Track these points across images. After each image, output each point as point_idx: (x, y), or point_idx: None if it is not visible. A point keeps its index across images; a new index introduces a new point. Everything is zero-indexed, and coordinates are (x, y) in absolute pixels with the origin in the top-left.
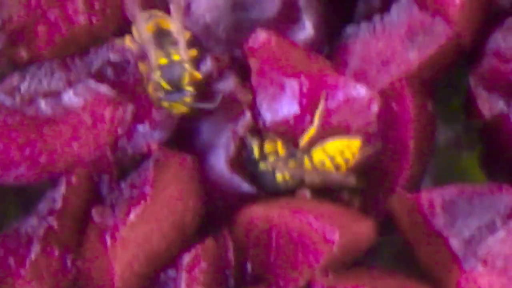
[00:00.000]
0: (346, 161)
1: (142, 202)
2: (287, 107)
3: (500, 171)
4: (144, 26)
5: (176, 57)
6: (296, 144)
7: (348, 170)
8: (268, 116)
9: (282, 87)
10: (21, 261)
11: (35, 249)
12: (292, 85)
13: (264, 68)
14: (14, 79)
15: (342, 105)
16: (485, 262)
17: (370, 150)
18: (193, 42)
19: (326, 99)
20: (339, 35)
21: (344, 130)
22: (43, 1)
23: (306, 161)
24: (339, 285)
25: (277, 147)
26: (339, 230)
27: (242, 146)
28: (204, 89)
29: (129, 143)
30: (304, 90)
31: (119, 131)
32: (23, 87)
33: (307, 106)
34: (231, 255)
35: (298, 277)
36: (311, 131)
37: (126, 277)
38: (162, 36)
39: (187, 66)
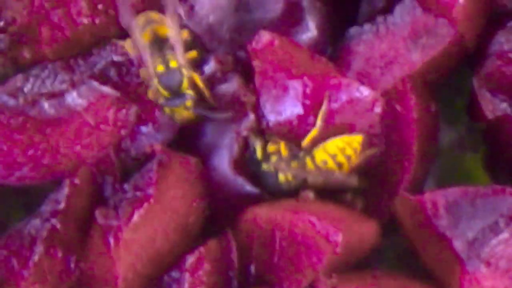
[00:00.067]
0: (348, 158)
1: (146, 203)
2: (290, 108)
3: (504, 172)
4: (139, 35)
5: (173, 63)
6: (299, 145)
7: (351, 170)
8: (271, 117)
9: (285, 88)
10: (25, 263)
11: (39, 250)
12: (296, 86)
13: (267, 69)
14: (18, 80)
15: (345, 106)
16: (488, 264)
17: (373, 151)
18: (196, 43)
19: (329, 100)
20: (343, 37)
21: (347, 131)
22: (46, 2)
23: (309, 161)
24: (342, 287)
25: (280, 148)
26: (342, 232)
27: (246, 147)
28: (208, 92)
29: (133, 144)
30: (308, 91)
31: (123, 132)
32: (27, 88)
33: (311, 107)
34: (234, 256)
35: (302, 279)
36: (314, 132)
37: (130, 279)
38: (159, 42)
39: (185, 71)
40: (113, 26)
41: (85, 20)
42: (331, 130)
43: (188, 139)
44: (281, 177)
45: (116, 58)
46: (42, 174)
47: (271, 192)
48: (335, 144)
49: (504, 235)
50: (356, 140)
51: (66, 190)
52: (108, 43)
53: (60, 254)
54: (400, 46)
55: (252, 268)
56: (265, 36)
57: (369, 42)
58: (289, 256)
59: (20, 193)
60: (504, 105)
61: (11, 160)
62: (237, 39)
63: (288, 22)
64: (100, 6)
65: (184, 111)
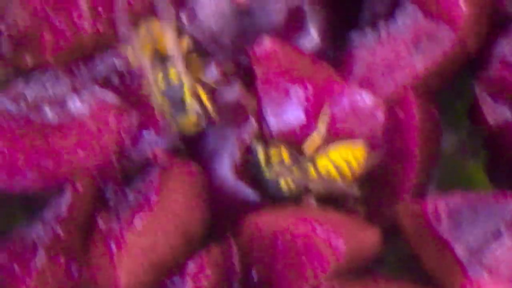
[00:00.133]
0: (351, 169)
1: (148, 209)
2: (292, 114)
3: (505, 177)
4: (139, 48)
5: (174, 75)
6: (301, 151)
7: (353, 179)
8: (273, 123)
9: (287, 94)
10: (27, 268)
11: (41, 256)
12: (297, 92)
13: (269, 75)
14: (20, 85)
15: (348, 112)
16: (490, 269)
17: (375, 157)
18: (197, 49)
19: (331, 106)
20: (344, 42)
21: (349, 137)
22: (49, 7)
23: (311, 168)
24: None
25: (282, 154)
26: (344, 238)
27: (247, 153)
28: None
29: (134, 149)
30: (310, 97)
31: (125, 138)
32: (29, 93)
33: (313, 113)
34: (236, 262)
35: (303, 285)
36: (316, 138)
37: (132, 284)
38: (159, 55)
39: (186, 81)
40: (115, 31)
41: (87, 26)
42: (333, 136)
43: (190, 145)
44: (283, 183)
45: (118, 63)
46: (44, 180)
47: (273, 198)
48: (338, 153)
49: (506, 240)
50: (359, 151)
51: (68, 195)
52: (110, 49)
53: (62, 260)
54: (402, 52)
55: (254, 274)
56: (267, 42)
57: (371, 48)
58: (291, 262)
59: (22, 198)
60: (506, 110)
61: (13, 166)
62: (239, 45)
63: (290, 28)
64: (102, 12)
65: (189, 121)
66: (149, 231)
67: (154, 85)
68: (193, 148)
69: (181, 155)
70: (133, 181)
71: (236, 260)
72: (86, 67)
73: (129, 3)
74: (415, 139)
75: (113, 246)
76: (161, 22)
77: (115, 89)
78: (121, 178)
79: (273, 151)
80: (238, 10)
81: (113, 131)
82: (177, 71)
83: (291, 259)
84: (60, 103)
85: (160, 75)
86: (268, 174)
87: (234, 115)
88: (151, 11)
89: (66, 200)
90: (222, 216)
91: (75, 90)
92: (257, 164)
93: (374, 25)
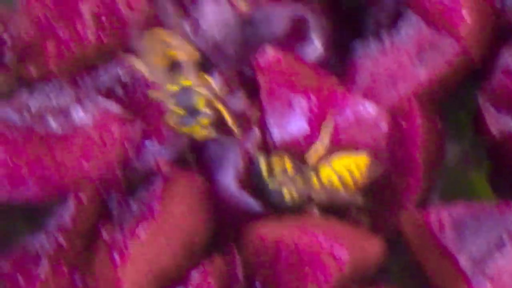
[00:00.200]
0: (354, 178)
1: (151, 219)
2: (295, 124)
3: (508, 188)
4: (151, 57)
5: (186, 82)
6: (304, 161)
7: (356, 189)
8: (276, 133)
9: (290, 104)
10: (30, 279)
11: (44, 266)
12: (301, 102)
13: (272, 85)
14: (23, 96)
15: (351, 122)
16: (493, 279)
17: (379, 167)
18: (201, 59)
19: (335, 116)
20: (348, 52)
21: (353, 147)
22: (52, 18)
23: (314, 178)
24: None
25: (285, 164)
26: (348, 248)
27: (251, 163)
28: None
29: (138, 160)
30: (313, 107)
31: (128, 148)
32: (32, 104)
33: (316, 123)
34: (239, 272)
35: None
36: (319, 148)
37: None
38: (171, 63)
39: (200, 89)
40: (118, 41)
41: (91, 36)
42: (336, 146)
43: (193, 155)
44: (286, 193)
45: (122, 74)
46: (48, 190)
47: (276, 208)
48: (341, 163)
49: (509, 250)
50: (362, 161)
51: (71, 206)
52: (114, 59)
53: (65, 270)
54: (405, 62)
55: (257, 284)
56: (270, 52)
57: (374, 58)
58: (294, 272)
59: (25, 208)
60: (509, 120)
61: (16, 176)
62: (243, 55)
63: (294, 38)
64: (105, 22)
65: (201, 129)
66: (152, 241)
67: (166, 93)
68: (196, 158)
69: (184, 165)
70: (137, 191)
71: (239, 270)
72: (90, 78)
73: (138, 14)
74: (418, 149)
75: (117, 256)
76: (171, 31)
77: (118, 100)
78: (124, 188)
79: (276, 161)
80: (241, 20)
81: (117, 141)
82: (189, 79)
83: (294, 269)
84: (63, 114)
85: (172, 80)
86: (271, 184)
87: (238, 124)
88: (160, 21)
89: (69, 210)
90: (225, 226)
91: (78, 100)
92: (260, 174)
93: (377, 35)
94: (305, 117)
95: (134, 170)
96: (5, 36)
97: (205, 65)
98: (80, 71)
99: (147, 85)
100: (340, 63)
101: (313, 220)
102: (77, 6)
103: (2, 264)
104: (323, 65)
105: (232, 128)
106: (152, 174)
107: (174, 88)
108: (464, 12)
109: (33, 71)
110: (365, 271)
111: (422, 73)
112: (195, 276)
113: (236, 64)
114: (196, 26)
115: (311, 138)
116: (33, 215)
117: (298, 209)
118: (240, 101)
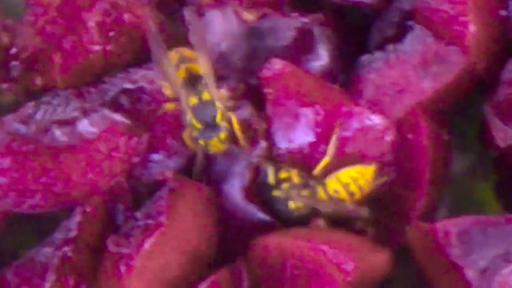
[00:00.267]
0: (360, 188)
1: (157, 231)
2: (302, 136)
3: None
4: (173, 72)
5: (206, 96)
6: (310, 173)
7: (362, 200)
8: (283, 144)
9: (297, 116)
10: None
11: (50, 278)
12: (307, 114)
13: (279, 97)
14: (29, 107)
15: (357, 134)
16: None
17: (385, 180)
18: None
19: (341, 128)
20: (354, 65)
21: (359, 159)
22: (58, 29)
23: (320, 190)
24: None
25: (291, 175)
26: (354, 260)
27: (257, 175)
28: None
29: (144, 172)
30: (319, 119)
31: (134, 160)
32: (38, 115)
33: (322, 135)
34: (246, 284)
35: None
36: (325, 160)
37: None
38: (192, 79)
39: (219, 104)
40: (125, 53)
41: (97, 48)
42: (342, 158)
43: (200, 166)
44: (292, 204)
45: (128, 85)
46: (54, 202)
47: (283, 219)
48: (348, 175)
49: None
50: (369, 171)
51: (77, 218)
52: (120, 71)
53: (71, 282)
54: (411, 74)
55: None
56: (276, 64)
57: (380, 70)
58: (300, 284)
59: (32, 220)
60: None
61: (23, 188)
62: (249, 67)
63: (300, 50)
64: (111, 34)
65: (218, 143)
66: (158, 253)
67: (187, 107)
68: (203, 170)
69: (191, 177)
70: (143, 203)
71: (245, 281)
72: (96, 90)
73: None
74: (424, 161)
75: (123, 268)
76: (192, 45)
77: (125, 112)
78: (130, 200)
79: (282, 173)
80: (248, 32)
81: (123, 153)
82: (210, 93)
83: (300, 280)
84: (70, 125)
85: (192, 94)
86: (277, 195)
87: (245, 136)
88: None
89: (75, 222)
90: (231, 238)
91: (84, 112)
92: (266, 186)
93: (383, 47)
94: (311, 129)
95: (140, 181)
96: (11, 48)
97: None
98: (86, 83)
99: (154, 96)
100: (346, 75)
101: (319, 232)
102: (83, 17)
103: (8, 276)
104: (329, 77)
105: (239, 140)
106: (158, 185)
107: (193, 101)
108: (470, 23)
109: (39, 82)
110: (371, 283)
111: (428, 85)
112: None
113: (243, 75)
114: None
115: (317, 150)
116: (40, 226)
117: (304, 220)
118: (246, 113)
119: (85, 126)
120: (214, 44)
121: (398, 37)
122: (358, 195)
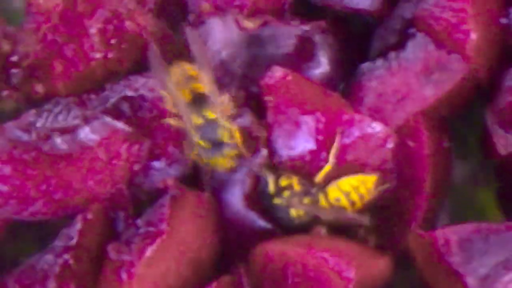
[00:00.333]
0: (361, 196)
1: (158, 238)
2: (302, 143)
3: None
4: (176, 91)
5: (211, 115)
6: (311, 181)
7: (363, 208)
8: (283, 152)
9: (297, 124)
10: None
11: (51, 285)
12: (308, 121)
13: (279, 105)
14: (30, 115)
15: (358, 142)
16: None
17: (386, 187)
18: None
19: (342, 136)
20: (355, 72)
21: (360, 167)
22: (59, 36)
23: (321, 198)
24: None
25: (292, 183)
26: (355, 268)
27: (258, 183)
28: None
29: (145, 179)
30: (320, 126)
31: (135, 167)
32: (39, 123)
33: (323, 143)
34: None
35: None
36: (326, 168)
37: None
38: (196, 98)
39: (225, 122)
40: (126, 61)
41: (98, 55)
42: (343, 165)
43: (201, 174)
44: (293, 212)
45: (129, 93)
46: (55, 209)
47: (284, 227)
48: (349, 183)
49: None
50: (370, 179)
51: (78, 225)
52: (121, 78)
53: None
54: (412, 82)
55: None
56: (277, 72)
57: (381, 78)
58: None
59: (32, 228)
60: None
61: (23, 195)
62: (250, 75)
63: (301, 57)
64: (113, 41)
65: (226, 160)
66: (159, 260)
67: (191, 126)
68: (204, 178)
69: (192, 185)
70: (144, 211)
71: None
72: (97, 97)
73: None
74: (425, 169)
75: (124, 275)
76: (195, 63)
77: (126, 119)
78: (131, 208)
79: (283, 181)
80: (249, 40)
81: (124, 160)
82: (214, 111)
83: None
84: (71, 133)
85: (196, 113)
86: (278, 203)
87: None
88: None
89: (76, 229)
90: (232, 246)
91: (86, 120)
92: (267, 193)
93: (384, 55)
94: (312, 136)
95: (141, 189)
96: (12, 55)
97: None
98: (87, 90)
99: (155, 104)
100: (347, 83)
101: (320, 239)
102: (84, 25)
103: (9, 284)
104: (330, 85)
105: (240, 148)
106: (159, 193)
107: (199, 121)
108: (471, 31)
109: (40, 90)
110: None
111: (429, 93)
112: None
113: (243, 83)
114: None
115: (318, 158)
116: (40, 234)
117: (305, 228)
118: (247, 121)
119: (86, 134)
120: (214, 52)
121: (400, 45)
122: (359, 204)
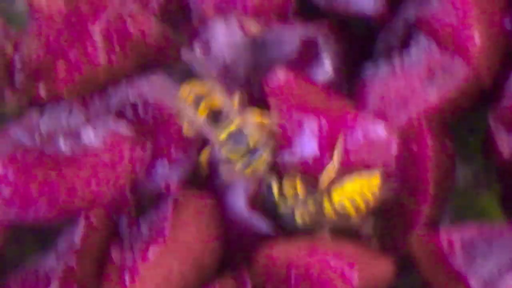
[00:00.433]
0: (365, 200)
1: (161, 241)
2: (306, 146)
3: None
4: (194, 115)
5: (233, 127)
6: (315, 184)
7: (367, 212)
8: (287, 155)
9: (301, 126)
10: None
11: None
12: (311, 124)
13: (283, 107)
14: (33, 117)
15: (361, 145)
16: None
17: (389, 189)
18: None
19: (345, 139)
20: (358, 75)
21: (363, 169)
22: (63, 39)
23: (325, 201)
24: None
25: (296, 187)
26: (358, 271)
27: (261, 185)
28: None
29: (148, 182)
30: (323, 129)
31: (138, 170)
32: (42, 125)
33: (326, 146)
34: None
35: None
36: (330, 171)
37: None
38: (214, 113)
39: (247, 130)
40: (129, 63)
41: (101, 58)
42: (347, 168)
43: (204, 177)
44: (297, 215)
45: (132, 96)
46: (58, 212)
47: (287, 230)
48: (353, 187)
49: None
50: (374, 184)
51: (81, 228)
52: (124, 81)
53: None
54: (416, 85)
55: None
56: (281, 74)
57: (384, 80)
58: None
59: (35, 230)
60: None
61: (26, 197)
62: (253, 78)
63: (304, 60)
64: (116, 44)
65: (263, 163)
66: (162, 263)
67: (218, 143)
68: (207, 180)
69: (194, 187)
70: (147, 213)
71: None
72: (100, 100)
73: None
74: (428, 171)
75: (127, 278)
76: (206, 81)
77: (129, 122)
78: (134, 210)
79: (287, 184)
80: (252, 43)
81: (127, 163)
82: (235, 120)
83: None
84: (74, 135)
85: (218, 129)
86: (282, 206)
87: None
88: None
89: (79, 231)
90: (235, 248)
91: (89, 121)
92: (271, 196)
93: (388, 57)
94: (315, 138)
95: (144, 191)
96: (16, 58)
97: None
98: (90, 93)
99: (158, 107)
100: (350, 85)
101: (324, 242)
102: (87, 28)
103: (13, 286)
104: (333, 87)
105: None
106: (162, 195)
107: (223, 137)
108: (474, 34)
109: (43, 92)
110: None
111: (432, 96)
112: None
113: (247, 86)
114: (206, 48)
115: (321, 160)
116: (43, 236)
117: (309, 231)
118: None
119: (89, 137)
120: (218, 54)
121: (403, 48)
122: (363, 207)
